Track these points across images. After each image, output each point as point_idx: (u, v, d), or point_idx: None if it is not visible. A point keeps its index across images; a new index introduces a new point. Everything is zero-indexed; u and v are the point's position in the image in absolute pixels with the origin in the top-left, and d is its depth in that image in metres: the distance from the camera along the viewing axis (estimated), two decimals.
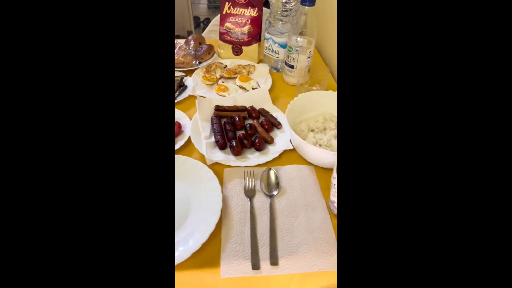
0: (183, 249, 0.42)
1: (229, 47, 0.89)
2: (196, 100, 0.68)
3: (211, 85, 0.80)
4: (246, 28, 0.85)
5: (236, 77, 0.82)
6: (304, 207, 0.50)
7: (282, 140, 0.62)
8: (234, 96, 0.72)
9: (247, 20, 0.84)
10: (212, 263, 0.42)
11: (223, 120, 0.66)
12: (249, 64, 0.87)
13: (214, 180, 0.51)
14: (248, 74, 0.84)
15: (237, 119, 0.65)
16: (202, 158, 0.57)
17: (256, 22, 0.84)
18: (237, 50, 0.89)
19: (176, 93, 0.74)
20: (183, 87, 0.76)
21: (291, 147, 0.59)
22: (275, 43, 0.82)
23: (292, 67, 0.79)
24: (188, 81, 0.79)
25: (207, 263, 0.42)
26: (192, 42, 0.90)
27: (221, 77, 0.83)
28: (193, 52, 0.87)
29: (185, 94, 0.74)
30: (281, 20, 0.78)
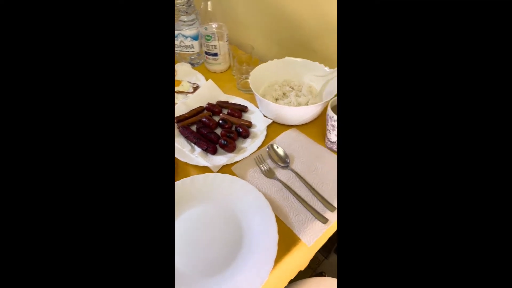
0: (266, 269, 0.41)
1: None
2: None
3: None
4: None
5: None
6: (316, 158, 0.57)
7: (257, 120, 0.65)
8: (183, 101, 0.67)
9: None
10: (293, 241, 0.45)
11: (193, 128, 0.62)
12: None
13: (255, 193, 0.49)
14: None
15: (206, 120, 0.62)
16: (206, 170, 0.54)
17: None
18: None
19: None
20: None
21: (270, 121, 0.63)
22: (186, 37, 0.78)
23: (216, 54, 0.79)
24: None
25: (291, 244, 0.45)
26: None
27: None
28: None
29: None
30: (186, 12, 0.75)
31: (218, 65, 0.82)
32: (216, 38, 0.76)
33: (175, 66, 0.82)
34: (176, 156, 0.55)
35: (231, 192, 0.49)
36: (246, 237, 0.45)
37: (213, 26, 0.74)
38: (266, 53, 0.88)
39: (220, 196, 0.50)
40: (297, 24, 0.76)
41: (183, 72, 0.80)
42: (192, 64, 0.85)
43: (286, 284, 0.42)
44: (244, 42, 0.79)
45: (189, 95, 0.73)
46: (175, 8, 0.74)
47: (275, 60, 0.70)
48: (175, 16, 0.76)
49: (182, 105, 0.67)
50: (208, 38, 0.75)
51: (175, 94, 0.73)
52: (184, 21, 0.76)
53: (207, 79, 0.75)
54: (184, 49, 0.81)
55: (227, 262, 0.43)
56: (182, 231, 0.46)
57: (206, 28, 0.76)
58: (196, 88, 0.74)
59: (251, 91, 0.75)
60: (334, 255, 1.05)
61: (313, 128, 0.64)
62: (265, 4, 0.80)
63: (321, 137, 0.61)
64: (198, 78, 0.78)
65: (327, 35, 0.69)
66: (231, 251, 0.44)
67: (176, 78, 0.78)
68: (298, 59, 0.70)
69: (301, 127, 0.64)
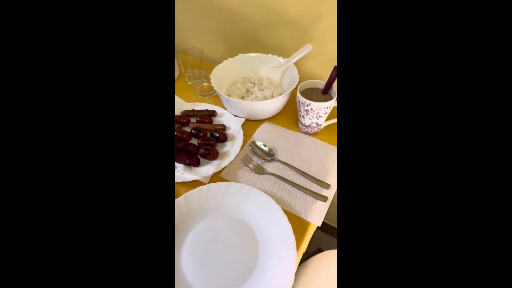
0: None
1: None
2: None
3: None
4: None
5: None
6: (296, 144, 0.59)
7: (229, 121, 0.64)
8: None
9: None
10: (304, 226, 0.47)
11: None
12: None
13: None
14: None
15: (178, 133, 0.59)
16: (196, 184, 0.51)
17: None
18: None
19: None
20: None
21: (243, 120, 0.63)
22: None
23: None
24: None
25: (303, 229, 0.46)
26: None
27: None
28: None
29: None
30: None
31: None
32: None
33: None
34: None
35: (231, 198, 0.48)
36: (261, 243, 0.45)
37: None
38: (213, 54, 0.87)
39: (221, 205, 0.48)
40: (241, 21, 0.77)
41: None
42: None
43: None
44: (188, 47, 0.76)
45: None
46: None
47: (230, 59, 0.70)
48: None
49: None
50: None
51: None
52: None
53: None
54: None
55: (248, 270, 0.42)
56: (193, 247, 0.44)
57: None
58: None
59: (210, 94, 0.74)
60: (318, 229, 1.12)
61: (283, 117, 0.66)
62: (206, 5, 0.78)
63: (293, 124, 0.64)
64: None
65: (275, 27, 0.71)
66: (250, 259, 0.43)
67: None
68: (252, 54, 0.71)
69: (272, 118, 0.66)
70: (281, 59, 0.69)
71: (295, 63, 0.66)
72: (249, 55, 0.71)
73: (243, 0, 0.72)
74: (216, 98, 0.73)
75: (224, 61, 0.69)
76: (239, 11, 0.75)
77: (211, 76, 0.64)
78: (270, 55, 0.70)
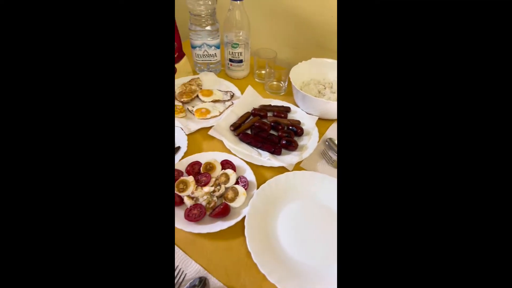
0: None
1: None
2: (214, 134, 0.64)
3: (182, 117, 0.70)
4: None
5: (194, 97, 0.74)
6: None
7: (303, 118, 0.69)
8: (231, 110, 0.69)
9: None
10: None
11: (251, 133, 0.64)
12: (191, 79, 0.80)
13: None
14: (198, 86, 0.78)
15: (260, 124, 0.65)
16: (281, 170, 0.57)
17: (175, 35, 0.76)
18: None
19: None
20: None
21: (316, 118, 0.68)
22: (210, 47, 0.79)
23: (241, 61, 0.81)
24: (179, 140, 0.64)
25: None
26: None
27: (182, 103, 0.73)
28: None
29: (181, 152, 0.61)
30: (211, 22, 0.75)
31: (242, 71, 0.84)
32: (243, 45, 0.78)
33: (199, 75, 0.82)
34: (248, 160, 0.57)
35: (316, 185, 0.54)
36: None
37: (240, 34, 0.76)
38: (283, 58, 0.93)
39: (307, 190, 0.53)
40: (312, 27, 0.83)
41: (209, 81, 0.81)
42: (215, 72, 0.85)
43: None
44: (260, 49, 0.82)
45: (227, 103, 0.74)
46: (200, 17, 0.74)
47: (304, 61, 0.76)
48: (196, 26, 0.76)
49: (232, 114, 0.68)
50: (235, 45, 0.77)
51: (213, 103, 0.74)
52: (210, 31, 0.77)
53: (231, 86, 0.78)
54: (207, 58, 0.82)
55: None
56: (287, 225, 0.49)
57: (227, 36, 0.77)
58: (232, 95, 0.75)
59: (278, 93, 0.80)
60: None
61: None
62: (280, 9, 0.85)
63: None
64: (228, 86, 0.80)
65: None
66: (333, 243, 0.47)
67: (204, 87, 0.78)
68: (326, 59, 0.77)
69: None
70: None
71: None
72: (322, 59, 0.76)
73: (318, 6, 0.78)
74: (285, 96, 0.79)
75: (299, 63, 0.75)
76: (312, 17, 0.81)
77: (290, 75, 0.70)
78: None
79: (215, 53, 0.81)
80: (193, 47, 0.80)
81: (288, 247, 0.46)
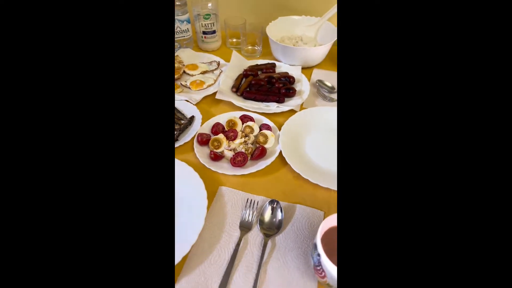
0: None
1: None
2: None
3: (179, 92, 0.71)
4: None
5: (181, 74, 0.76)
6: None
7: (288, 69, 0.78)
8: (225, 76, 0.73)
9: None
10: None
11: (251, 90, 0.70)
12: None
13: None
14: (180, 63, 0.79)
15: (256, 82, 0.71)
16: (292, 112, 0.65)
17: None
18: None
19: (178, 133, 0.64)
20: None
21: (300, 66, 0.77)
22: (182, 22, 0.80)
23: (214, 32, 0.84)
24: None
25: None
26: None
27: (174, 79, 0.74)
28: None
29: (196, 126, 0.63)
30: None
31: (216, 42, 0.87)
32: (214, 16, 0.81)
33: (177, 53, 0.82)
34: (260, 111, 0.64)
35: (324, 116, 0.63)
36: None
37: (208, 5, 0.79)
38: (249, 23, 0.98)
39: (319, 121, 0.63)
40: None
41: (189, 57, 0.82)
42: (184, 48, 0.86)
43: None
44: (227, 18, 0.87)
45: (215, 71, 0.77)
46: None
47: (273, 22, 0.83)
48: None
49: (227, 78, 0.72)
50: (207, 16, 0.80)
51: (202, 74, 0.76)
52: (178, 5, 0.77)
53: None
54: (181, 35, 0.82)
55: None
56: (312, 147, 0.57)
57: (195, 9, 0.79)
58: (218, 63, 0.79)
59: (255, 56, 0.86)
60: None
61: (326, 66, 0.82)
62: None
63: (335, 69, 0.80)
64: (209, 57, 0.82)
65: None
66: None
67: (186, 63, 0.80)
68: (292, 17, 0.85)
69: (318, 66, 0.81)
70: (313, 18, 0.85)
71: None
72: (290, 17, 0.85)
73: None
74: (261, 58, 0.86)
75: (270, 23, 0.82)
76: None
77: (269, 33, 0.77)
78: (303, 16, 0.85)
79: (187, 28, 0.82)
80: None
81: (317, 161, 0.56)
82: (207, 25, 0.82)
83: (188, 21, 0.82)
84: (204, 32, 0.83)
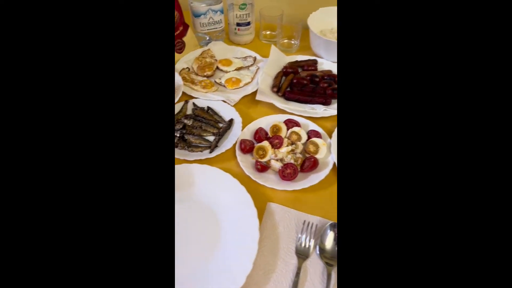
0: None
1: None
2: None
3: (214, 91, 0.65)
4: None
5: (215, 70, 0.70)
6: None
7: (330, 67, 0.70)
8: (264, 73, 0.66)
9: None
10: None
11: (292, 90, 0.64)
12: (202, 51, 0.74)
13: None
14: (212, 58, 0.73)
15: (299, 80, 0.64)
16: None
17: (175, 5, 0.68)
18: (179, 46, 0.71)
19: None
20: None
21: None
22: (215, 12, 0.73)
23: (249, 24, 0.77)
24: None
25: None
26: None
27: (207, 77, 0.68)
28: None
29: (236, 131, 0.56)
30: None
31: (249, 35, 0.80)
32: (249, 6, 0.74)
33: (209, 46, 0.76)
34: (306, 115, 0.58)
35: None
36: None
37: None
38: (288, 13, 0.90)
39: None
40: None
41: (221, 51, 0.76)
42: (207, 42, 0.80)
43: None
44: (262, 8, 0.79)
45: (251, 68, 0.71)
46: None
47: (314, 13, 0.76)
48: None
49: (266, 76, 0.66)
50: (243, 6, 0.73)
51: (237, 71, 0.70)
52: None
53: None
54: (213, 27, 0.76)
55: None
56: None
57: None
58: (255, 59, 0.72)
59: (290, 51, 0.79)
60: None
61: None
62: None
63: None
64: (243, 51, 0.76)
65: None
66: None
67: (218, 58, 0.73)
68: (333, 7, 0.77)
69: None
70: None
71: None
72: (329, 8, 0.77)
73: None
74: (298, 53, 0.78)
75: (311, 14, 0.75)
76: None
77: (310, 26, 0.69)
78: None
79: (220, 19, 0.76)
80: (197, 15, 0.73)
81: None
82: (242, 16, 0.75)
83: (222, 11, 0.75)
84: (238, 24, 0.76)
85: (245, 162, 0.50)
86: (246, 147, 0.51)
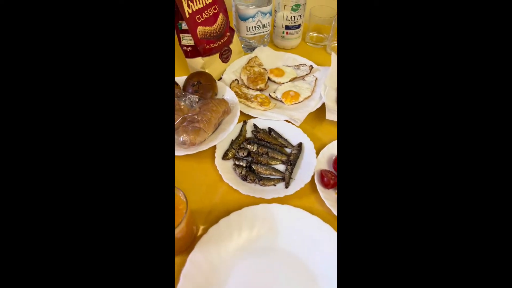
0: None
1: (215, 58, 0.61)
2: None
3: (271, 108, 0.58)
4: (219, 20, 0.59)
5: (263, 82, 0.62)
6: None
7: None
8: (327, 86, 0.58)
9: (213, 9, 0.57)
10: None
11: None
12: (249, 59, 0.66)
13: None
14: (260, 67, 0.65)
15: None
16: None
17: (220, 4, 0.59)
18: (226, 55, 0.63)
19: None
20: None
21: None
22: (264, 14, 0.64)
23: (298, 26, 0.68)
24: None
25: None
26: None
27: (260, 89, 0.60)
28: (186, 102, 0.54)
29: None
30: None
31: (297, 39, 0.72)
32: (302, 7, 0.65)
33: (255, 53, 0.68)
34: None
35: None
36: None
37: None
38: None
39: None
40: None
41: (269, 58, 0.68)
42: (253, 48, 0.71)
43: None
44: (313, 7, 0.71)
45: (307, 78, 0.63)
46: None
47: None
48: None
49: (331, 90, 0.58)
50: (296, 7, 0.64)
51: (291, 82, 0.62)
52: None
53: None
54: (260, 30, 0.67)
55: None
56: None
57: None
58: (311, 68, 0.64)
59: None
60: None
61: None
62: None
63: None
64: (295, 58, 0.68)
65: None
66: None
67: (266, 67, 0.65)
68: None
69: None
70: None
71: None
72: None
73: None
74: None
75: None
76: None
77: None
78: None
79: (268, 22, 0.67)
80: (244, 18, 0.64)
81: None
82: (292, 18, 0.66)
83: (271, 14, 0.66)
84: (287, 27, 0.68)
85: (330, 201, 0.43)
86: (330, 181, 0.44)
